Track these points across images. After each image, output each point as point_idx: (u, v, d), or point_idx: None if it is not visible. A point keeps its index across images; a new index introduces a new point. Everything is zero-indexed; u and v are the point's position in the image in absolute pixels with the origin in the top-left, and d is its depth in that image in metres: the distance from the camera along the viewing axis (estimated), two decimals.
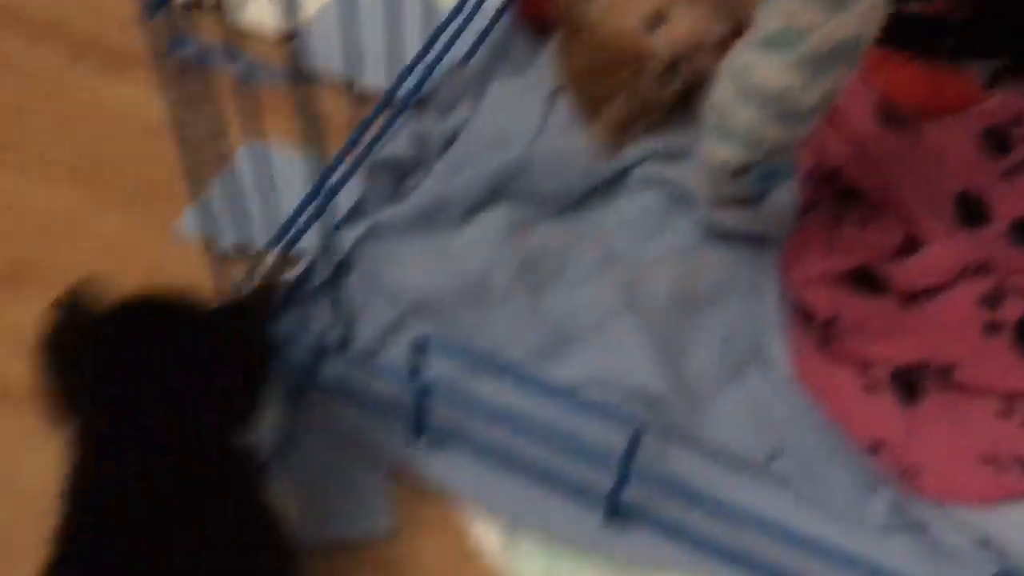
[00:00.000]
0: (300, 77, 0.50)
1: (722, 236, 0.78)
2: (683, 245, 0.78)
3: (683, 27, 0.78)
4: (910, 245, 0.73)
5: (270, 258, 0.71)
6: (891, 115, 0.77)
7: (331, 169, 0.76)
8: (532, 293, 0.75)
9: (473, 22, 0.91)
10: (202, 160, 0.57)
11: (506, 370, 0.61)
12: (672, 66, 0.79)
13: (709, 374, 0.72)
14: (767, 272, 0.76)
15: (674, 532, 0.64)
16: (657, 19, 0.78)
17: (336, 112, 0.78)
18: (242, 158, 0.62)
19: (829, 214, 0.74)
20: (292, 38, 0.48)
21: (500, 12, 0.93)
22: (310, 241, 0.75)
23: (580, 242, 0.79)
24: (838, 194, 0.76)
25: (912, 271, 0.71)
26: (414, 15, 0.83)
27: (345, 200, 0.78)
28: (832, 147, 0.76)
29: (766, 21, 0.62)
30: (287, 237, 0.72)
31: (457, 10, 0.89)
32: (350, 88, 0.80)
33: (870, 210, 0.75)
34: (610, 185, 0.81)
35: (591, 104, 0.83)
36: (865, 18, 0.59)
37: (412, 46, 0.85)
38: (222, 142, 0.57)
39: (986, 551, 0.62)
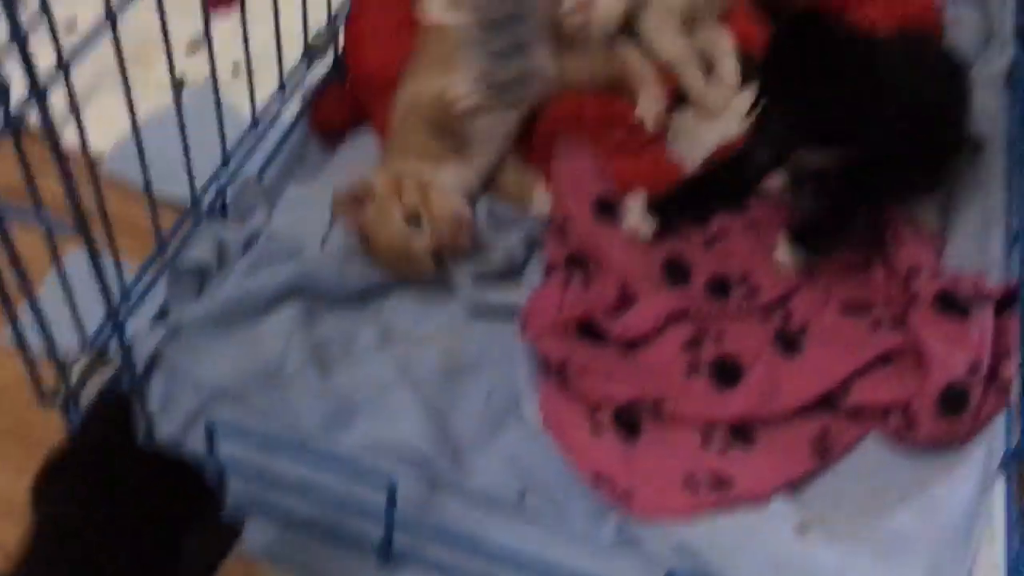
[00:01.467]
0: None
1: (482, 312, 0.92)
2: (450, 322, 0.93)
3: (440, 219, 0.91)
4: (627, 302, 0.89)
5: (81, 363, 0.81)
6: (606, 205, 0.94)
7: (138, 276, 0.87)
8: (321, 373, 0.87)
9: (270, 132, 1.04)
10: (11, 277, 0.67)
11: (286, 444, 0.73)
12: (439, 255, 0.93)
13: (472, 430, 0.85)
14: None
15: (440, 572, 0.77)
16: (414, 219, 0.91)
17: (142, 221, 0.89)
18: (53, 272, 0.72)
19: (562, 277, 0.89)
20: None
21: (294, 123, 1.07)
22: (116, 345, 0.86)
23: (363, 324, 0.92)
24: (569, 261, 0.91)
25: (626, 322, 0.87)
26: (213, 129, 0.95)
27: (152, 304, 0.89)
28: (565, 230, 0.92)
29: None
30: (97, 342, 0.83)
31: (254, 122, 1.02)
32: (155, 199, 0.91)
33: (594, 273, 0.90)
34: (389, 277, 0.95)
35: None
36: None
37: (213, 157, 0.97)
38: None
39: (683, 555, 0.77)
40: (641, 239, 0.94)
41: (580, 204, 0.93)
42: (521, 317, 0.87)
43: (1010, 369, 0.87)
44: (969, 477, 0.84)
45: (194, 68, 1.03)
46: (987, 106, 1.13)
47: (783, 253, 0.92)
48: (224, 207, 0.97)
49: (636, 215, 0.94)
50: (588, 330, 0.86)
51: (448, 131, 0.96)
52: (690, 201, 0.95)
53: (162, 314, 0.89)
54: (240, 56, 0.95)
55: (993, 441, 0.85)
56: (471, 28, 0.97)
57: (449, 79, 0.96)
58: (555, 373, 0.84)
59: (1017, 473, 0.83)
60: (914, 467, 0.85)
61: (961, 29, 1.20)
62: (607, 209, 0.94)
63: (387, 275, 0.95)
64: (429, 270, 0.93)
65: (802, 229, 0.93)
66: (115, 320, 0.67)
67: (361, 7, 1.10)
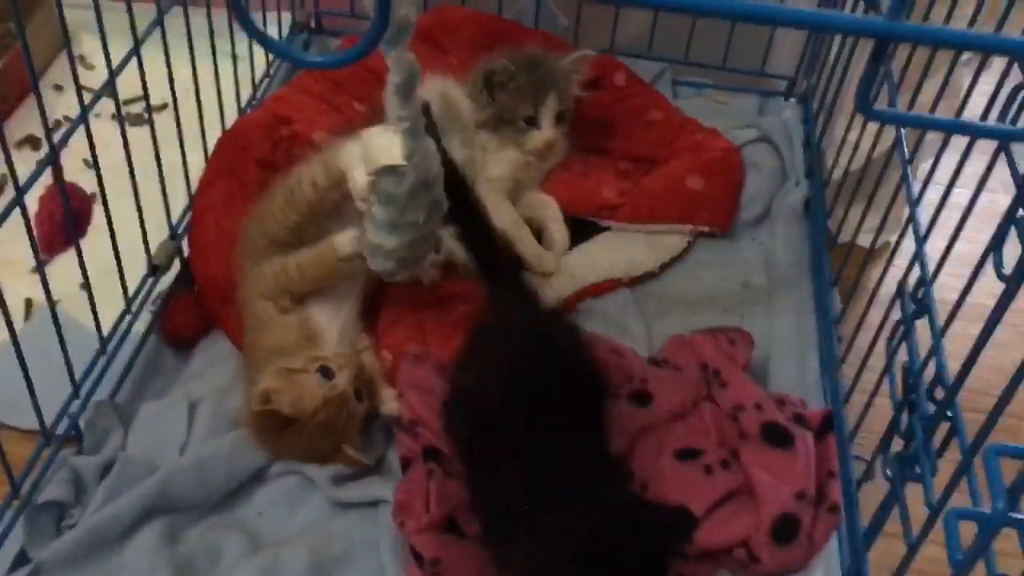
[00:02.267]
0: None
1: (346, 506, 0.95)
2: (315, 518, 0.95)
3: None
4: None
5: None
6: None
7: None
8: None
9: (123, 349, 1.07)
10: None
11: None
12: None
13: None
14: (385, 525, 0.93)
15: None
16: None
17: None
18: None
19: (423, 469, 0.94)
20: None
21: (145, 337, 1.10)
22: None
23: (229, 532, 0.94)
24: (425, 454, 0.95)
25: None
26: (57, 355, 0.96)
27: (11, 547, 0.89)
28: (415, 430, 0.97)
29: None
30: None
31: (103, 348, 1.04)
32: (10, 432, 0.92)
33: (450, 465, 0.95)
34: (251, 480, 0.97)
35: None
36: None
37: (64, 385, 0.99)
38: None
39: None
40: None
41: (428, 409, 0.97)
42: (396, 514, 0.91)
43: (836, 490, 0.94)
44: None
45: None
46: (791, 235, 1.25)
47: None
48: (79, 435, 0.99)
49: None
50: (454, 527, 0.90)
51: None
52: None
53: (22, 557, 0.89)
54: (89, 274, 0.98)
55: (830, 561, 0.92)
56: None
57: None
58: (429, 567, 0.87)
59: None
60: None
61: (760, 170, 1.32)
62: None
63: (260, 467, 0.97)
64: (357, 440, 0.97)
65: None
66: None
67: (202, 216, 1.14)
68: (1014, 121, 0.71)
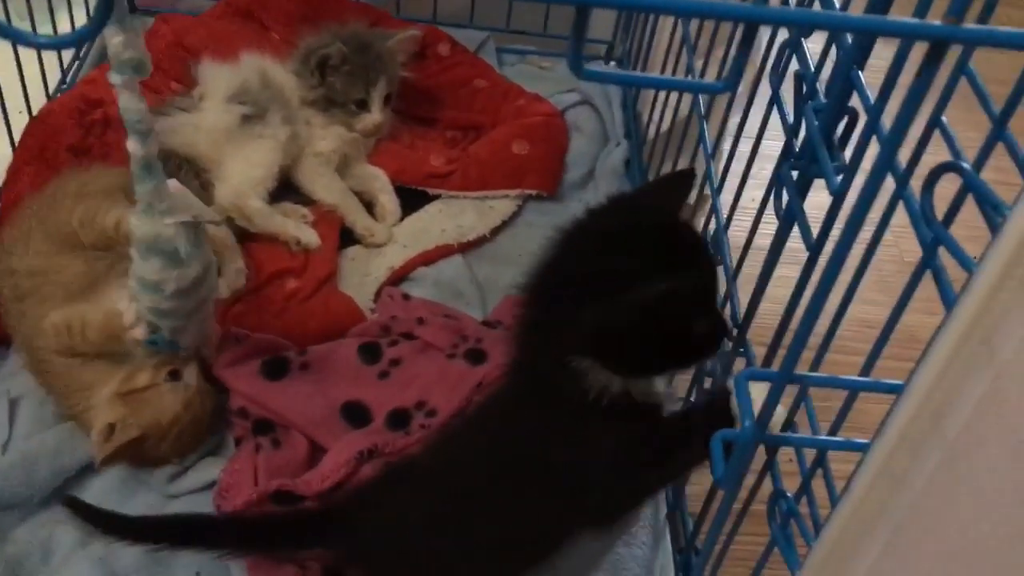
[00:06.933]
0: None
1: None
2: (151, 504, 0.94)
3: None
4: (319, 451, 0.95)
5: None
6: (273, 366, 1.00)
7: None
8: None
9: None
10: None
11: None
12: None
13: None
14: None
15: None
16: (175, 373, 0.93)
17: None
18: None
19: (252, 445, 0.94)
20: None
21: None
22: None
23: (61, 526, 0.92)
24: (255, 429, 0.96)
25: (322, 472, 0.92)
26: None
27: None
28: (246, 410, 0.97)
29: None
30: None
31: None
32: None
33: (281, 433, 0.96)
34: (81, 471, 0.95)
35: None
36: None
37: None
38: None
39: None
40: None
41: (248, 381, 0.98)
42: (216, 496, 0.90)
43: None
44: (643, 534, 0.96)
45: None
46: (612, 192, 1.30)
47: None
48: None
49: None
50: (286, 498, 0.90)
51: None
52: None
53: None
54: None
55: (659, 500, 0.98)
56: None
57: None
58: None
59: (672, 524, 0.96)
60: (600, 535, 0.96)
61: (583, 132, 1.37)
62: (275, 369, 1.00)
63: (88, 459, 0.95)
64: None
65: None
66: None
67: (10, 210, 1.10)
68: (783, 75, 0.76)
